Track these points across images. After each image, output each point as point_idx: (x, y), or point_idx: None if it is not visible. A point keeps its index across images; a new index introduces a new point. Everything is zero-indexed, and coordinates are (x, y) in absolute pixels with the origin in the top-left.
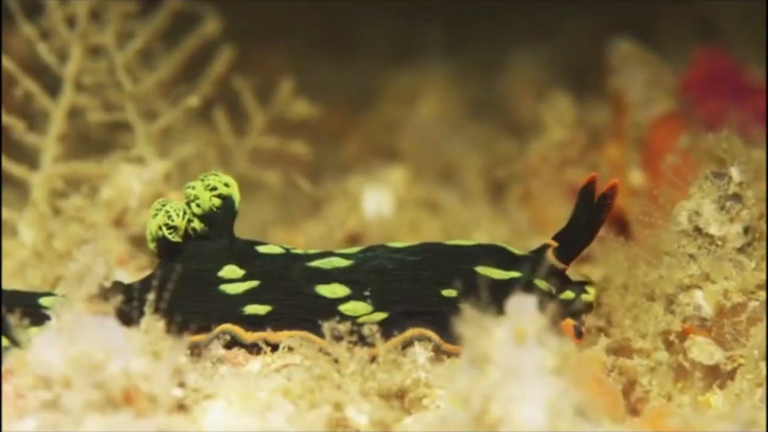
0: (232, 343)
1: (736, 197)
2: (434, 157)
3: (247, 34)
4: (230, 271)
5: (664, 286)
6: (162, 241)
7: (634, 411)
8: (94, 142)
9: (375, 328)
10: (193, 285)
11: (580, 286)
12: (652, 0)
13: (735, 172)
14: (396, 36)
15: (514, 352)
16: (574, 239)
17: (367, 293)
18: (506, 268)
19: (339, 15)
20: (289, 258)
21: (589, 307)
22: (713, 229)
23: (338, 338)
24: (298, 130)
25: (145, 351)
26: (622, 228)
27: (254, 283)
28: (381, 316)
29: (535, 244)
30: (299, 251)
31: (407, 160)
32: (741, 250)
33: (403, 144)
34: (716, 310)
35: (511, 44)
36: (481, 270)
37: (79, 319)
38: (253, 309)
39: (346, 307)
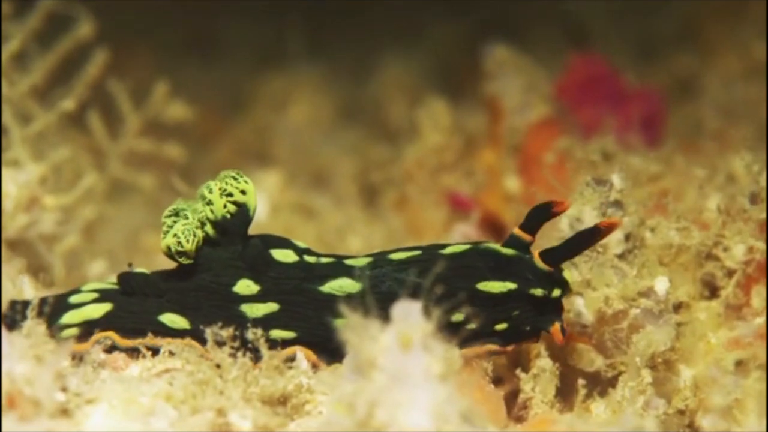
0: (113, 347)
1: (617, 204)
2: (307, 162)
3: (112, 38)
4: (245, 286)
5: None
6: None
7: (517, 418)
8: None
9: (259, 332)
10: (210, 297)
11: (560, 279)
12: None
13: (616, 179)
14: (263, 39)
15: (400, 358)
16: (566, 243)
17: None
18: (502, 277)
19: (203, 19)
20: (301, 269)
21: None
22: None
23: (221, 344)
24: (169, 134)
25: (27, 355)
26: (499, 233)
27: (273, 307)
28: None
29: None
30: (311, 260)
31: (280, 165)
32: (622, 257)
33: (275, 148)
34: (597, 317)
35: (379, 47)
36: (482, 286)
37: None
38: (278, 334)
39: None
